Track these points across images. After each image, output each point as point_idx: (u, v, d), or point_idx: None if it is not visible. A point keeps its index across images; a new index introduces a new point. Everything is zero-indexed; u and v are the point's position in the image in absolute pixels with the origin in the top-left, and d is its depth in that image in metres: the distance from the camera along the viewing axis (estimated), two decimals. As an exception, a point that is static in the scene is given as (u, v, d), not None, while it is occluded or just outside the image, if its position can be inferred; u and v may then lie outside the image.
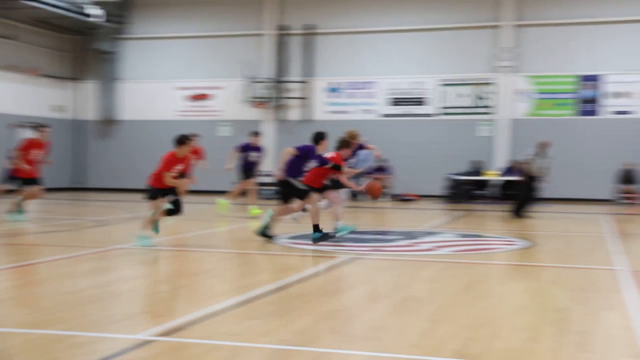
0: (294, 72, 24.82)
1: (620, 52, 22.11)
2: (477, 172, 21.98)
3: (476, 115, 23.29)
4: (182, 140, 9.68)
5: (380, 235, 10.73)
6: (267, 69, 24.77)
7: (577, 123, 22.43)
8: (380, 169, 21.56)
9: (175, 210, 9.76)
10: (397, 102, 23.94)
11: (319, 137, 10.52)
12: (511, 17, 22.81)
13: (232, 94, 24.89)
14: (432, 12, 23.69)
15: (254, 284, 7.36)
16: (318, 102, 24.71)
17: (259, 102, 24.46)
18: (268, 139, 22.68)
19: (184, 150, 9.69)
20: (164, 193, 9.63)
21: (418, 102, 23.72)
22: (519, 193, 15.75)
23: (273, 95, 24.59)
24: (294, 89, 24.82)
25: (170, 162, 9.56)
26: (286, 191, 10.33)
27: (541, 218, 15.59)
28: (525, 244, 10.89)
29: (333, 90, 24.56)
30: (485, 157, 22.75)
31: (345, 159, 10.63)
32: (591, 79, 22.45)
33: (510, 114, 22.95)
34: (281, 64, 24.88)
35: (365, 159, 11.19)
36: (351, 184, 10.97)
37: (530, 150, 15.67)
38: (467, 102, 23.47)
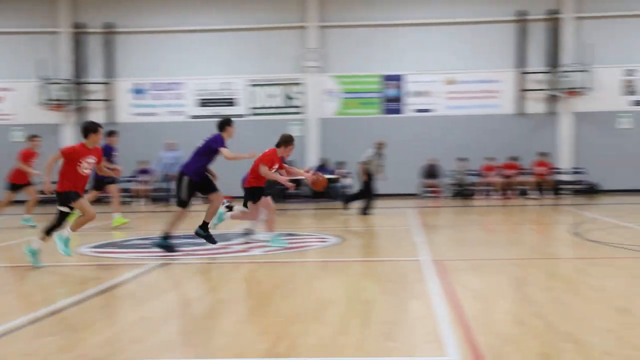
0: (95, 72, 23.93)
1: (419, 53, 23.51)
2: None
3: (286, 115, 23.71)
4: None
5: (192, 239, 10.55)
6: (64, 70, 23.66)
7: (383, 121, 23.52)
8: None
9: None
10: (206, 103, 23.81)
11: (225, 124, 9.84)
12: (316, 18, 23.48)
13: (26, 96, 23.50)
14: (238, 12, 23.80)
15: (49, 298, 6.94)
16: (123, 104, 23.99)
17: (56, 104, 23.30)
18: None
19: None
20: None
21: (228, 103, 23.74)
22: (364, 192, 16.21)
23: (72, 97, 23.53)
24: (96, 91, 23.93)
25: None
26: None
27: (351, 214, 16.14)
28: (337, 240, 11.20)
29: (138, 91, 23.95)
30: (297, 156, 23.20)
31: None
32: (394, 79, 23.66)
33: (319, 114, 23.61)
34: (80, 64, 23.88)
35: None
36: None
37: (369, 151, 16.29)
38: (277, 102, 23.85)
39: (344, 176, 22.07)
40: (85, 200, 8.62)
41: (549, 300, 6.47)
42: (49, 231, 8.63)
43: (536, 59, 23.30)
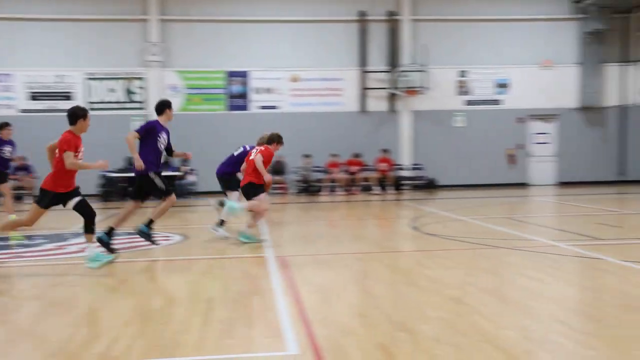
0: None
1: (264, 50, 23.61)
2: (132, 169, 21.77)
3: (128, 111, 23.05)
4: None
5: (25, 240, 10.03)
6: None
7: (228, 118, 23.42)
8: (22, 169, 20.25)
9: None
10: (39, 96, 22.65)
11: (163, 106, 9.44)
12: (157, 11, 22.98)
13: None
14: (77, 1, 22.83)
15: None
16: (-54, 97, 22.37)
17: None
18: None
19: None
20: None
21: (64, 96, 22.69)
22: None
23: None
24: None
25: None
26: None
27: (196, 211, 15.96)
28: (180, 239, 11.05)
29: (-38, 83, 22.43)
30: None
31: None
32: (239, 75, 23.62)
33: (162, 109, 23.10)
34: None
35: None
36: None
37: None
38: (117, 97, 23.12)
39: (189, 173, 21.79)
40: None
41: (387, 292, 6.71)
42: None
43: (377, 59, 24.08)
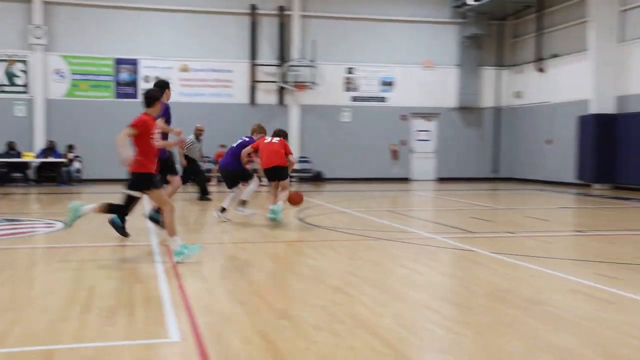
0: None
1: (154, 38, 23.11)
2: (15, 154, 20.86)
3: (9, 94, 22.01)
4: None
5: None
6: None
7: (117, 105, 22.78)
8: None
9: None
10: None
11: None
12: (42, -7, 22.08)
13: None
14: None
15: None
16: None
17: None
18: None
19: None
20: None
21: (-60, 78, 21.44)
22: (197, 178, 16.38)
23: None
24: None
25: None
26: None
27: (81, 198, 15.42)
28: (64, 226, 10.65)
29: None
30: (23, 138, 21.71)
31: None
32: (128, 63, 23.02)
33: (46, 94, 22.23)
34: None
35: None
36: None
37: (190, 137, 16.39)
38: (-1, 80, 22.04)
39: (73, 160, 21.08)
40: None
41: (270, 281, 6.74)
42: None
43: (268, 53, 24.06)
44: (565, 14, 22.87)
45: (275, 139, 11.59)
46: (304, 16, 24.19)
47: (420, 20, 25.12)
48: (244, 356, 4.17)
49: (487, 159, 26.16)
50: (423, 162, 25.56)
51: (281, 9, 24.02)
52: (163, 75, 23.20)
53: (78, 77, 22.66)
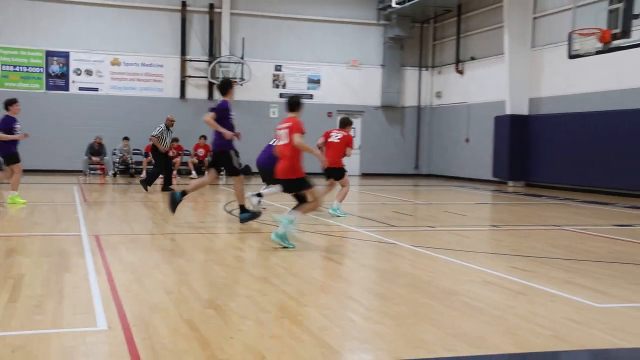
0: None
1: (85, 32, 22.58)
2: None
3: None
4: None
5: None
6: None
7: (47, 97, 22.17)
8: None
9: None
10: None
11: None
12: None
13: None
14: None
15: None
16: None
17: None
18: None
19: None
20: None
21: None
22: (161, 168, 16.30)
23: None
24: None
25: None
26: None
27: (7, 188, 14.95)
28: (-11, 217, 10.34)
29: None
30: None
31: None
32: (59, 55, 22.41)
33: (-26, 85, 21.44)
34: None
35: None
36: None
37: (161, 126, 16.33)
38: None
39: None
40: None
41: (198, 271, 6.71)
42: None
43: (198, 49, 23.82)
44: (483, 19, 23.46)
45: (339, 135, 11.83)
46: (234, 14, 24.05)
47: (346, 21, 25.32)
48: (171, 344, 4.15)
49: (409, 156, 26.60)
50: (348, 158, 25.71)
51: (211, 6, 23.80)
52: (95, 68, 22.74)
53: (8, 68, 21.93)
